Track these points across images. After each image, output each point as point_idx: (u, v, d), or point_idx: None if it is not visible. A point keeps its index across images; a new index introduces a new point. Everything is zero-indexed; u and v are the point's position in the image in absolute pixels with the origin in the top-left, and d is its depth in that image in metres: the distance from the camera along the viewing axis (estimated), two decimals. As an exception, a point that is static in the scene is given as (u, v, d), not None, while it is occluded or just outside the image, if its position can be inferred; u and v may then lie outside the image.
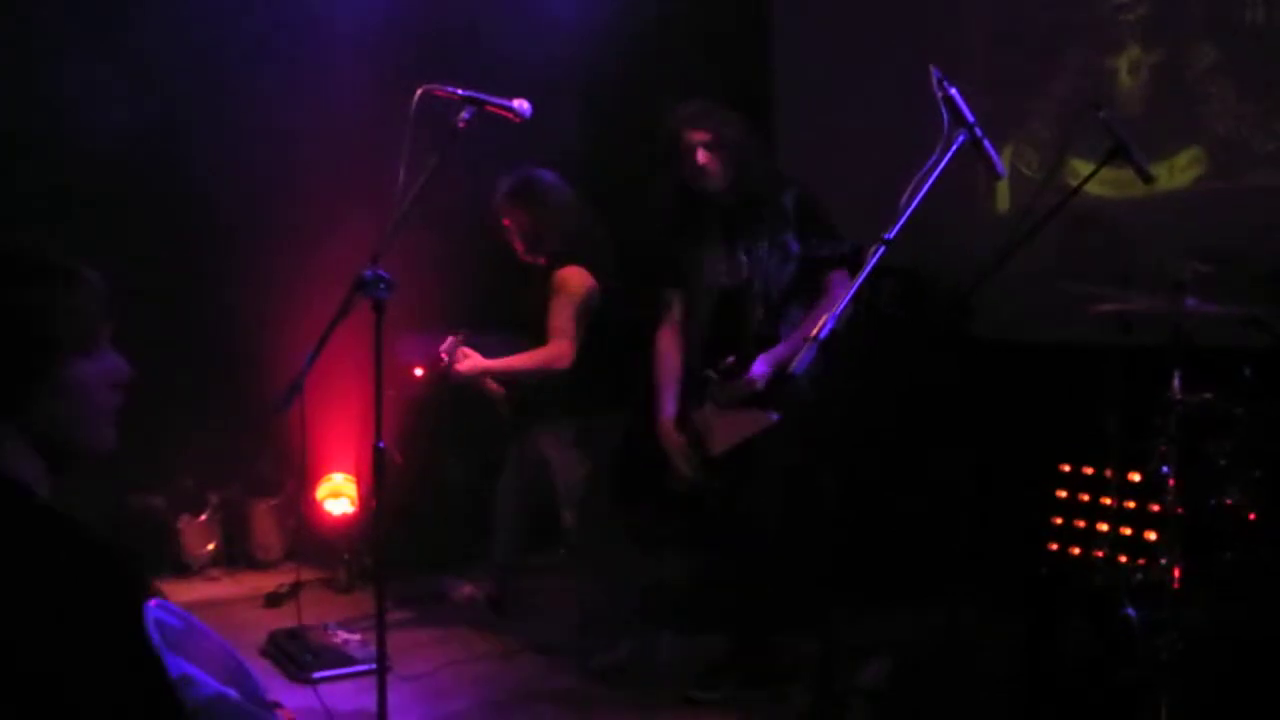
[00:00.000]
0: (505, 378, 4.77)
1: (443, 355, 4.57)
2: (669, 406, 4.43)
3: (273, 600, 5.80)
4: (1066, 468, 4.73)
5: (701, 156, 4.25)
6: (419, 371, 5.17)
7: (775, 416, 4.12)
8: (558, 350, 4.62)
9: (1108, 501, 4.37)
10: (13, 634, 1.53)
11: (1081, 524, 4.63)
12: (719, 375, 4.25)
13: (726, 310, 4.33)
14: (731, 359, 4.21)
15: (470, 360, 4.57)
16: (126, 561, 1.66)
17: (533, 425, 4.93)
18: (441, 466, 6.55)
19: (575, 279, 4.69)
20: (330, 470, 6.51)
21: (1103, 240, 5.20)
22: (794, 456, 4.22)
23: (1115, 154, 3.84)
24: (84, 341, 1.76)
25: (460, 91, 3.72)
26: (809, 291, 4.28)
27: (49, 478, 1.74)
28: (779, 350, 4.18)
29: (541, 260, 4.80)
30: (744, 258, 4.31)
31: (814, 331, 2.84)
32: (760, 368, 4.16)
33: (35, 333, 1.71)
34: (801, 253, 4.28)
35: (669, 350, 4.48)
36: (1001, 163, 3.19)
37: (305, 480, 6.40)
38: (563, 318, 4.64)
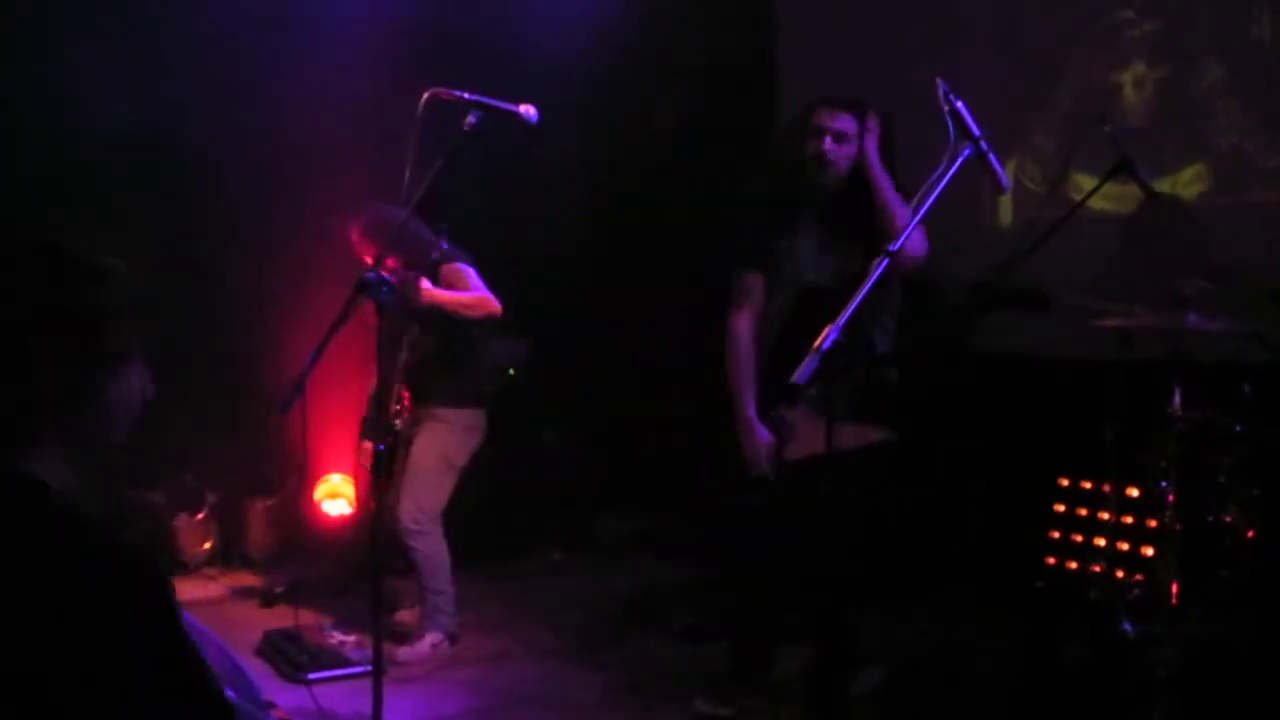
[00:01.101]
0: (451, 312, 4.92)
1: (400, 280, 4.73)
2: (752, 400, 4.18)
3: (269, 600, 5.80)
4: (1065, 482, 4.72)
5: (832, 141, 4.13)
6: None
7: (880, 436, 3.94)
8: (490, 296, 4.91)
9: (1106, 516, 4.36)
10: (42, 640, 1.52)
11: (1079, 538, 4.63)
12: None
13: (810, 306, 4.10)
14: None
15: (430, 289, 4.79)
16: (159, 563, 1.65)
17: (419, 414, 5.10)
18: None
19: (466, 268, 4.98)
20: (328, 471, 6.51)
21: (1105, 255, 5.20)
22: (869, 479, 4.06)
23: (1119, 169, 3.84)
24: (131, 351, 1.74)
25: (467, 95, 3.72)
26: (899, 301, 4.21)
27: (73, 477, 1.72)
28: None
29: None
30: (841, 258, 4.13)
31: (816, 342, 2.83)
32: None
33: (88, 332, 1.68)
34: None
35: (748, 338, 4.24)
36: (1006, 176, 3.19)
37: (303, 480, 6.40)
38: (474, 283, 4.94)
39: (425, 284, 4.82)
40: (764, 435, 4.12)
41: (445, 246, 4.92)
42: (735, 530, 4.43)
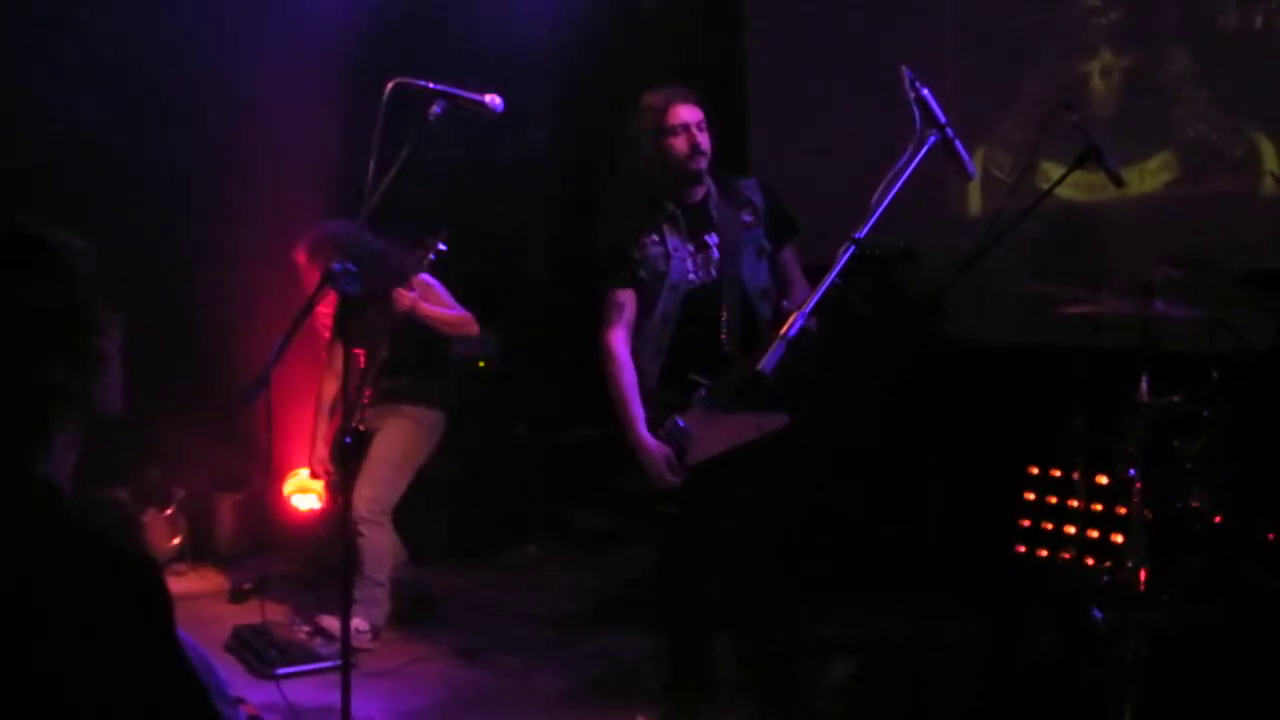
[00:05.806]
0: (430, 325, 5.01)
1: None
2: (641, 416, 4.05)
3: (238, 596, 5.76)
4: (1035, 470, 4.73)
5: (698, 134, 4.01)
6: None
7: (778, 422, 3.85)
8: (469, 315, 5.05)
9: (1075, 504, 4.37)
10: (40, 644, 1.51)
11: (1049, 526, 4.64)
12: (746, 383, 3.82)
13: (695, 309, 4.05)
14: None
15: (412, 299, 4.88)
16: (160, 574, 1.62)
17: (384, 410, 5.14)
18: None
19: (434, 282, 5.09)
20: (298, 465, 6.47)
21: (1073, 243, 5.21)
22: (773, 466, 4.00)
23: (1087, 157, 3.85)
24: (107, 318, 1.74)
25: (432, 85, 3.67)
26: (778, 287, 4.11)
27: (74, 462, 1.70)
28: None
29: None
30: (716, 253, 4.05)
31: (782, 329, 2.82)
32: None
33: (80, 319, 1.69)
34: (773, 249, 4.10)
35: (627, 355, 4.11)
36: (973, 164, 3.19)
37: (272, 475, 6.36)
38: (448, 301, 5.08)
39: (409, 294, 4.86)
40: (661, 449, 3.99)
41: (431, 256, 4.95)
42: (660, 538, 4.34)
